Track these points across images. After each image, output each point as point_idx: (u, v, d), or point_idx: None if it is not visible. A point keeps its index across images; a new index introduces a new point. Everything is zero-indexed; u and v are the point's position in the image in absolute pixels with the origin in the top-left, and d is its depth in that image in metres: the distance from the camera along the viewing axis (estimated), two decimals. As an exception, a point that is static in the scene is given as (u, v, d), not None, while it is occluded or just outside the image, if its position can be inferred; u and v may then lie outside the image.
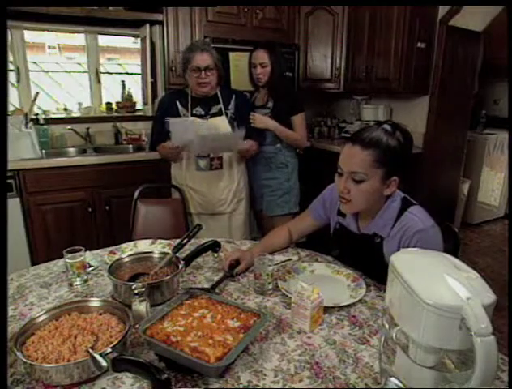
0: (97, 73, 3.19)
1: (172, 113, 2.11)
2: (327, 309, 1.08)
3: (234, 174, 2.21)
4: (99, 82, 3.23)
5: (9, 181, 2.40)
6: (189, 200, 2.20)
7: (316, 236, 1.60)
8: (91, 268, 1.34)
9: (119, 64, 3.72)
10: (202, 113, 2.11)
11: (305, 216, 1.54)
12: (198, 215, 2.23)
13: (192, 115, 2.10)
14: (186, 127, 1.98)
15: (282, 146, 2.43)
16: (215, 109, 2.12)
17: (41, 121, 2.86)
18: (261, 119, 2.28)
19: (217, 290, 1.21)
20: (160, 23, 2.88)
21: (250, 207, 2.46)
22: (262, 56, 2.29)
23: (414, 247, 1.15)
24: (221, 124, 2.09)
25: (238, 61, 2.96)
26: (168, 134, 2.06)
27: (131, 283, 1.10)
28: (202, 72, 2.01)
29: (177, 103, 2.12)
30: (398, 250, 1.18)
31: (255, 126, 2.23)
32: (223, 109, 2.12)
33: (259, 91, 2.47)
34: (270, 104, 2.37)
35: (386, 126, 1.21)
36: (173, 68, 2.94)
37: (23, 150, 2.54)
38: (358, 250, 1.32)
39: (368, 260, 1.29)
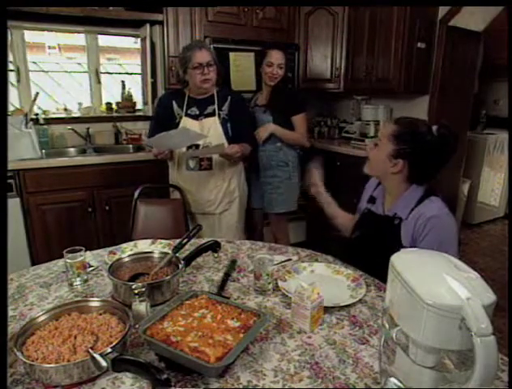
0: (97, 73, 3.19)
1: (168, 113, 2.13)
2: (327, 309, 1.08)
3: (225, 175, 2.21)
4: (99, 82, 3.23)
5: (9, 181, 2.40)
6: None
7: (316, 236, 1.60)
8: (91, 268, 1.34)
9: (119, 64, 3.71)
10: (197, 112, 2.12)
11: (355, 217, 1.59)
12: (189, 214, 2.25)
13: (186, 115, 2.11)
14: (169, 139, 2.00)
15: (282, 145, 2.45)
16: (209, 110, 2.12)
17: (41, 121, 2.86)
18: (264, 129, 2.34)
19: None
20: (160, 23, 2.88)
21: (246, 208, 2.44)
22: (280, 57, 2.38)
23: (428, 232, 1.22)
24: (213, 125, 2.11)
25: (238, 61, 2.97)
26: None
27: (131, 283, 1.10)
28: (205, 68, 2.01)
29: (173, 103, 2.14)
30: (412, 234, 1.26)
31: (261, 139, 2.30)
32: (216, 110, 2.12)
33: (261, 90, 2.50)
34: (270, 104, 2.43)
35: (434, 126, 1.26)
36: (173, 68, 2.94)
37: (23, 150, 2.54)
38: (378, 230, 1.37)
39: (385, 241, 1.31)
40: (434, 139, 1.24)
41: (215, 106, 2.13)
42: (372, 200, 1.46)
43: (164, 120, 2.13)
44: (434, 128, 1.25)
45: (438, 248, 1.09)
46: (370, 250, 1.36)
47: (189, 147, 2.11)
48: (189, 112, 2.12)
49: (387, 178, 1.36)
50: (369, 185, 1.54)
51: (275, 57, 2.38)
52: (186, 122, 2.10)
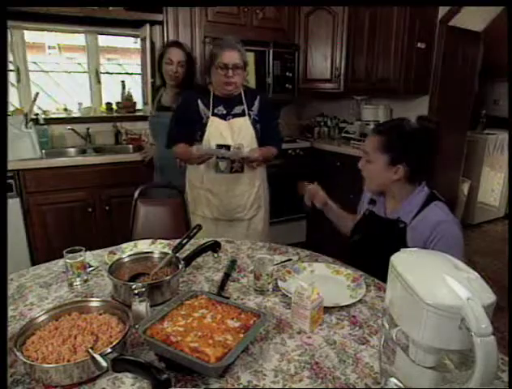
0: (97, 73, 3.20)
1: (193, 112, 2.01)
2: (327, 309, 1.08)
3: (255, 179, 2.09)
4: (99, 82, 3.23)
5: (9, 181, 2.40)
6: (207, 204, 2.09)
7: (316, 236, 1.60)
8: (91, 268, 1.34)
9: (119, 64, 3.72)
10: (224, 112, 2.00)
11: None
12: (215, 220, 2.10)
13: (213, 115, 1.99)
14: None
15: None
16: (237, 110, 2.01)
17: (41, 121, 2.86)
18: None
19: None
20: (160, 23, 2.89)
21: (269, 215, 2.30)
22: (180, 55, 2.28)
23: (437, 240, 1.23)
24: (243, 126, 2.00)
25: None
26: (187, 134, 2.01)
27: (131, 283, 1.10)
28: (230, 70, 1.89)
29: (199, 101, 2.01)
30: (421, 241, 1.25)
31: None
32: (246, 111, 2.01)
33: (165, 89, 2.38)
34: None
35: (412, 120, 1.30)
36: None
37: (23, 150, 2.54)
38: (381, 233, 1.38)
39: (389, 243, 1.30)
40: (417, 130, 1.28)
41: (244, 106, 2.01)
42: (372, 202, 1.47)
43: (189, 120, 2.01)
44: (413, 121, 1.29)
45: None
46: (373, 251, 1.35)
47: (219, 148, 1.96)
48: (215, 111, 1.99)
49: (391, 187, 1.35)
50: (365, 192, 1.54)
51: (174, 54, 2.28)
52: (214, 122, 1.98)
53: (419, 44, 2.93)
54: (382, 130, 1.33)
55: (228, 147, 1.97)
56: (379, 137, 1.30)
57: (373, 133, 1.34)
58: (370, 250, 1.38)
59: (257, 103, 2.04)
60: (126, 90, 3.36)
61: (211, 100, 1.99)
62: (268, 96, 2.21)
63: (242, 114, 2.01)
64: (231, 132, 1.98)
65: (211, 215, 2.10)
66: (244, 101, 2.01)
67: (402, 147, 1.27)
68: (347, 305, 1.12)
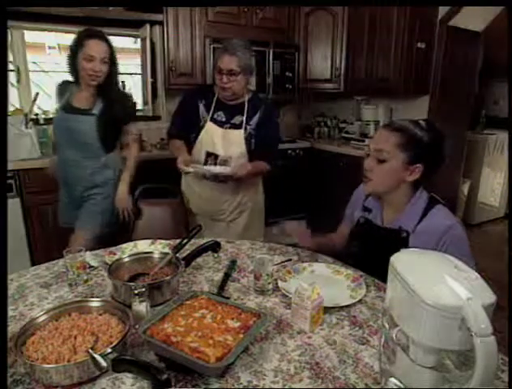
0: (97, 73, 3.19)
1: (193, 114, 1.97)
2: (327, 309, 1.08)
3: (240, 188, 2.06)
4: (99, 82, 3.23)
5: (9, 181, 2.40)
6: (192, 201, 2.15)
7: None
8: (91, 268, 1.34)
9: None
10: (223, 119, 1.96)
11: (341, 229, 1.56)
12: (198, 215, 2.17)
13: (212, 119, 1.95)
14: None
15: (107, 162, 2.02)
16: (236, 120, 1.96)
17: (41, 122, 2.86)
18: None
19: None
20: (160, 23, 2.89)
21: (261, 218, 2.28)
22: (103, 50, 1.84)
23: (446, 247, 1.17)
24: (237, 139, 1.95)
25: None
26: (185, 133, 2.01)
27: (131, 283, 1.10)
28: (224, 76, 1.84)
29: (200, 104, 1.97)
30: (431, 248, 1.18)
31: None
32: (244, 123, 1.95)
33: (81, 88, 1.91)
34: (97, 109, 1.91)
35: (421, 121, 1.25)
36: (173, 68, 2.95)
37: (23, 150, 2.54)
38: (381, 243, 1.31)
39: (390, 253, 1.28)
40: (429, 134, 1.22)
41: (244, 118, 1.95)
42: (367, 209, 1.40)
43: (189, 120, 1.99)
44: (423, 123, 1.24)
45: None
46: (372, 261, 1.30)
47: (208, 156, 1.96)
48: (215, 116, 1.96)
49: (396, 191, 1.28)
50: (358, 193, 1.47)
51: (95, 49, 1.81)
52: (209, 128, 1.95)
53: (419, 44, 2.93)
54: (401, 127, 1.23)
55: (216, 156, 1.97)
56: (398, 133, 1.22)
57: (389, 130, 1.25)
58: (369, 259, 1.33)
59: (257, 115, 1.97)
60: (126, 90, 3.35)
61: (214, 104, 1.97)
62: (273, 107, 2.11)
63: (239, 126, 1.96)
64: (223, 142, 1.96)
65: (195, 210, 2.17)
66: (245, 112, 1.96)
67: (422, 146, 1.21)
68: (347, 305, 1.12)
